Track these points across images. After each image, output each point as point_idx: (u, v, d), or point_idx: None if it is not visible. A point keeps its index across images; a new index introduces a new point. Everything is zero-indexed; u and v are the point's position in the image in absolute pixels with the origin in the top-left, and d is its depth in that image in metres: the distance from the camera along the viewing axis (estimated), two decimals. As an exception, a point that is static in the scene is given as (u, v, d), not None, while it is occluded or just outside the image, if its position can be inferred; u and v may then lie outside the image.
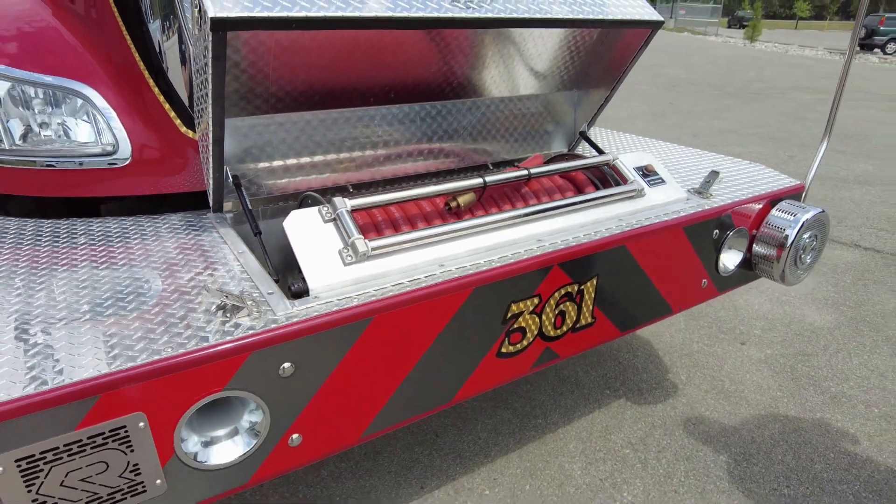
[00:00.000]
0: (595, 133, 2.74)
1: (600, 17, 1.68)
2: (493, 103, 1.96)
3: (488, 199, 1.61)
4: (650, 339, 2.87)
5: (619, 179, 1.69)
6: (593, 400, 2.43)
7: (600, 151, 1.99)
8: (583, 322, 1.53)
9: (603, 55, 1.94)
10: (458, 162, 1.93)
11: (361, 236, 1.21)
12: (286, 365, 1.06)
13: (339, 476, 2.03)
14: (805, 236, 1.86)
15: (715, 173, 1.80)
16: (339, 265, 1.20)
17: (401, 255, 1.26)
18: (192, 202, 1.67)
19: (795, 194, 2.03)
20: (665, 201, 1.69)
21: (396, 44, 1.56)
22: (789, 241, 1.81)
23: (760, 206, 1.90)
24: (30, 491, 0.90)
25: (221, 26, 1.13)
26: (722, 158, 2.37)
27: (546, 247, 1.40)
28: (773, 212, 1.88)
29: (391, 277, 1.22)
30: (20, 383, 0.88)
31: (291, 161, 1.65)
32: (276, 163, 1.64)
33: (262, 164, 1.62)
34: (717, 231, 1.75)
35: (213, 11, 1.11)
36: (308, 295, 1.15)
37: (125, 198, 1.63)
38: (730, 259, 1.87)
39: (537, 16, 1.54)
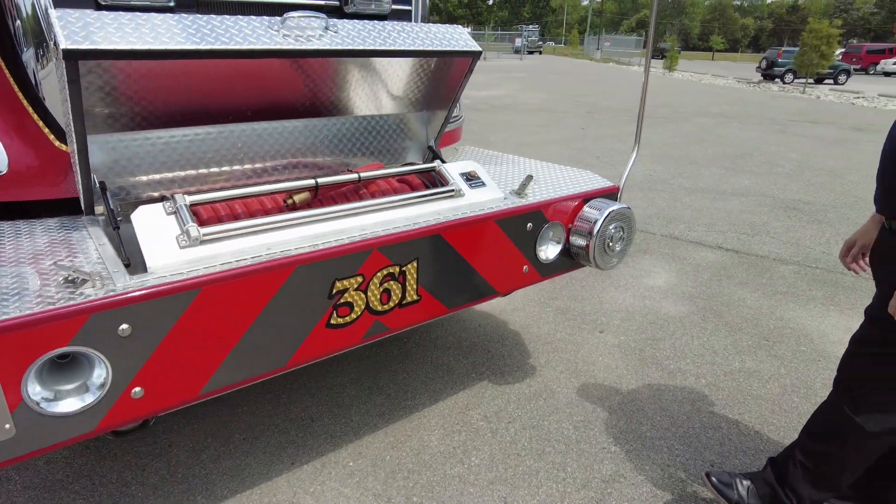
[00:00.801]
0: (480, 154, 3.07)
1: (428, 48, 2.02)
2: (349, 122, 2.26)
3: (329, 199, 1.90)
4: (519, 331, 3.21)
5: (443, 183, 2.01)
6: (460, 383, 2.72)
7: (443, 162, 2.32)
8: (408, 299, 1.82)
9: (440, 80, 2.28)
10: (318, 173, 2.22)
11: (195, 224, 1.47)
12: (124, 326, 1.30)
13: (217, 458, 2.23)
14: (611, 227, 2.24)
15: (529, 177, 2.15)
16: (175, 248, 1.45)
17: (233, 240, 1.53)
18: (72, 207, 1.88)
19: (610, 194, 2.41)
20: (483, 200, 2.02)
21: (247, 69, 1.85)
22: (596, 231, 2.18)
23: (576, 203, 2.26)
24: None
25: (72, 56, 1.39)
26: (564, 169, 2.74)
27: (367, 235, 1.69)
28: (585, 207, 2.25)
29: (222, 258, 1.48)
30: None
31: (159, 171, 1.89)
32: (145, 172, 1.87)
33: (132, 174, 1.85)
34: (530, 224, 2.09)
35: (64, 44, 1.37)
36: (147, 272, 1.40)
37: (7, 204, 1.83)
38: (549, 249, 2.22)
39: (364, 47, 1.86)
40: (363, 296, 1.70)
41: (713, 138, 9.90)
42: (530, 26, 62.60)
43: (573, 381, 2.76)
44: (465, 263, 1.94)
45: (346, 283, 1.65)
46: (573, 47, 55.83)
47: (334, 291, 1.63)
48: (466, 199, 1.99)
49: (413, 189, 2.07)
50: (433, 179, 2.08)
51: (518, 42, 47.97)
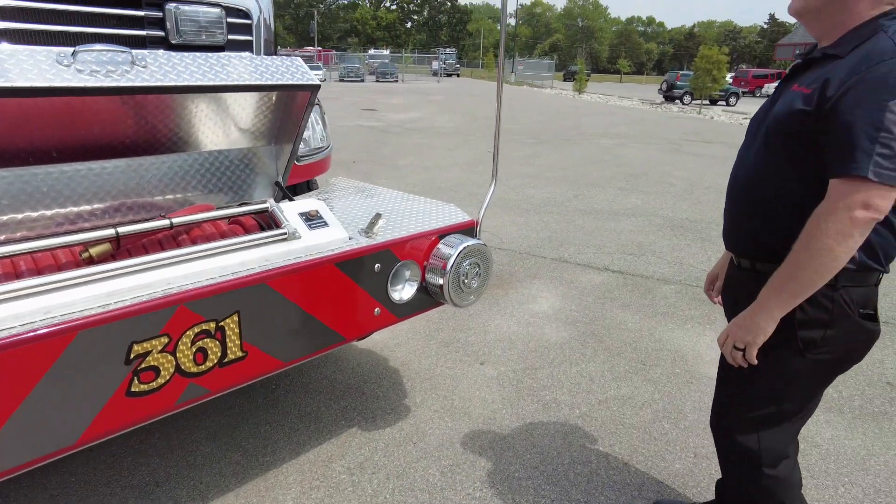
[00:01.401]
0: (348, 186, 2.93)
1: (259, 82, 1.89)
2: (183, 159, 2.09)
3: (140, 250, 1.72)
4: (398, 368, 3.09)
5: (276, 225, 1.88)
6: (327, 432, 2.57)
7: (291, 199, 2.19)
8: (231, 357, 1.66)
9: (282, 114, 2.16)
10: (145, 218, 2.02)
11: (-57, 290, 1.26)
12: None
13: (33, 542, 1.96)
14: (465, 263, 2.17)
15: (378, 215, 2.06)
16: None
17: (15, 303, 1.33)
18: None
19: (468, 229, 2.35)
20: (323, 242, 1.90)
21: (40, 107, 1.65)
22: (449, 267, 2.10)
23: (431, 240, 2.19)
24: None
25: None
26: (428, 202, 2.65)
27: (172, 289, 1.53)
28: (440, 244, 2.18)
29: (-10, 322, 1.28)
30: None
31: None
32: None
33: None
34: (379, 265, 1.99)
35: None
36: None
37: None
38: (404, 289, 2.12)
39: (179, 83, 1.71)
40: (171, 358, 1.53)
41: (612, 159, 10.30)
42: (447, 50, 63.86)
43: (447, 421, 2.67)
44: (301, 312, 1.80)
45: (146, 345, 1.47)
46: (489, 70, 57.34)
47: (133, 356, 1.45)
48: (303, 242, 1.86)
49: (248, 232, 1.92)
50: (268, 220, 1.94)
51: (435, 65, 48.72)
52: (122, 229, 1.62)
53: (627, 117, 19.43)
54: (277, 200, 2.33)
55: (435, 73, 48.23)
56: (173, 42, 2.05)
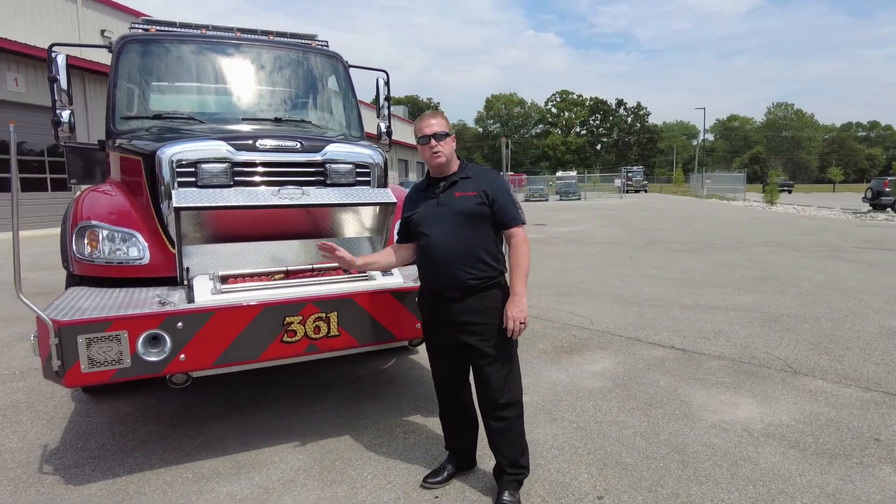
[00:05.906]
0: None
1: (360, 201, 3.69)
2: (331, 239, 3.92)
3: (299, 277, 3.49)
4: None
5: (364, 272, 3.55)
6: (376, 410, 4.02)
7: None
8: (332, 333, 3.29)
9: (379, 217, 3.91)
10: (306, 265, 3.85)
11: (220, 284, 3.11)
12: (180, 324, 2.91)
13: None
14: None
15: (422, 271, 3.62)
16: (209, 294, 3.09)
17: (238, 293, 3.14)
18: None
19: (486, 285, 3.78)
20: (387, 282, 3.51)
21: (263, 214, 3.59)
22: (462, 305, 3.55)
23: (457, 289, 3.67)
24: None
25: (178, 210, 3.19)
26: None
27: (305, 295, 3.24)
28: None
29: (230, 300, 3.09)
30: None
31: (225, 262, 3.62)
32: (216, 263, 3.60)
33: (211, 263, 3.59)
34: (417, 298, 3.52)
35: (175, 203, 3.18)
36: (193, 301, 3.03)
37: (146, 279, 3.62)
38: (437, 315, 3.61)
39: (321, 202, 3.55)
40: (303, 328, 3.21)
41: (750, 265, 10.56)
42: (634, 167, 65.28)
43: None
44: (370, 316, 3.40)
45: (292, 319, 3.18)
46: (678, 185, 57.02)
47: (285, 322, 3.16)
48: (377, 282, 3.51)
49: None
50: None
51: (618, 182, 50.20)
52: (290, 268, 3.42)
53: (807, 227, 18.62)
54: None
55: (619, 190, 49.72)
56: (327, 183, 3.95)
